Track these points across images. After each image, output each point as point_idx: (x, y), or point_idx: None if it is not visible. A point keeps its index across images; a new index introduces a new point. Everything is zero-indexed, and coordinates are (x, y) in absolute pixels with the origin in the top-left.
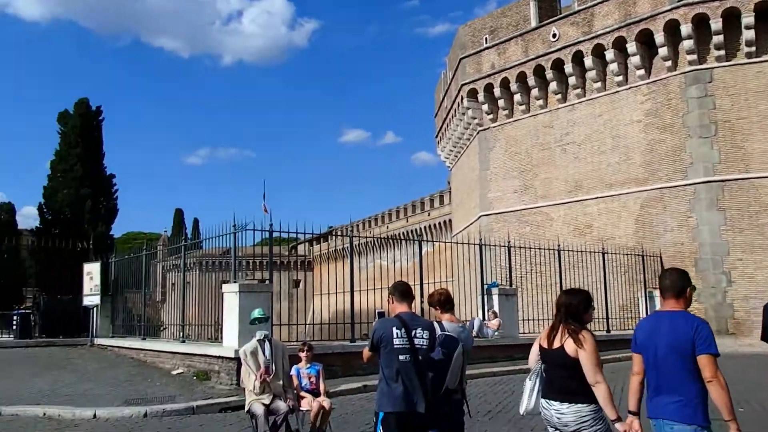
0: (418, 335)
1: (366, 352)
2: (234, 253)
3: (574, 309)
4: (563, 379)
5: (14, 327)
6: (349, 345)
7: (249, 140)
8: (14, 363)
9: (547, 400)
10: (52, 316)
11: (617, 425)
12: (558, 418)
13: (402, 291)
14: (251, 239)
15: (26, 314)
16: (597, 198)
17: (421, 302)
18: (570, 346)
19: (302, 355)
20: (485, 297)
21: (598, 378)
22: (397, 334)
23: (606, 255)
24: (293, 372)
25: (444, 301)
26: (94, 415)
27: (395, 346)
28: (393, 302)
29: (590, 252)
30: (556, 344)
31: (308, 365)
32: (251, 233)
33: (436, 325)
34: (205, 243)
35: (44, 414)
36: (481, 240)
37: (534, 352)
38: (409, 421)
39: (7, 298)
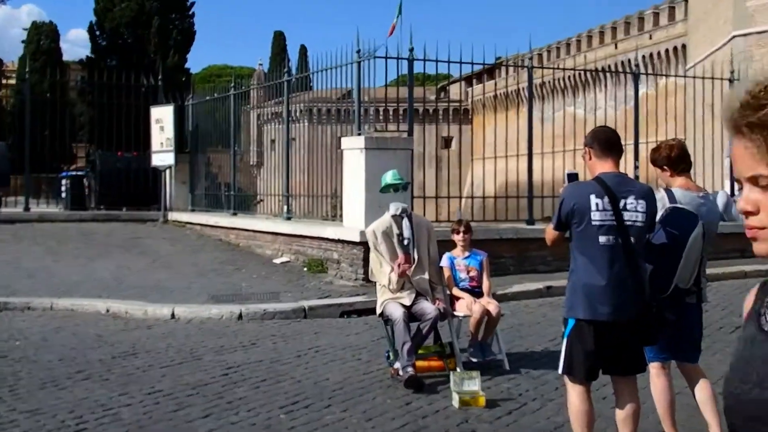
0: (629, 207)
1: (551, 232)
2: (358, 92)
3: None
4: None
5: (63, 195)
6: (525, 229)
7: None
8: (65, 242)
9: None
10: (113, 180)
11: None
12: None
13: (606, 140)
14: (382, 77)
15: (78, 177)
16: None
17: (635, 167)
18: None
19: (457, 238)
20: None
21: None
22: (596, 204)
23: None
24: (445, 262)
25: (676, 159)
26: (173, 315)
27: (593, 223)
28: (591, 158)
29: None
30: None
31: (466, 253)
32: (383, 65)
33: (662, 193)
34: (316, 78)
35: (107, 310)
36: (732, 73)
37: None
38: (612, 331)
39: (54, 156)
